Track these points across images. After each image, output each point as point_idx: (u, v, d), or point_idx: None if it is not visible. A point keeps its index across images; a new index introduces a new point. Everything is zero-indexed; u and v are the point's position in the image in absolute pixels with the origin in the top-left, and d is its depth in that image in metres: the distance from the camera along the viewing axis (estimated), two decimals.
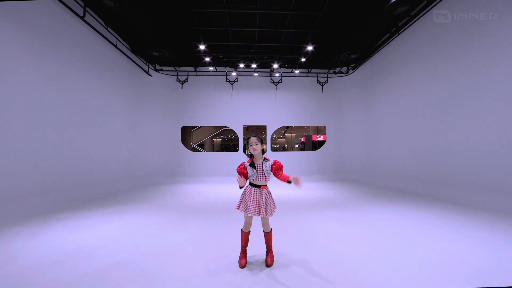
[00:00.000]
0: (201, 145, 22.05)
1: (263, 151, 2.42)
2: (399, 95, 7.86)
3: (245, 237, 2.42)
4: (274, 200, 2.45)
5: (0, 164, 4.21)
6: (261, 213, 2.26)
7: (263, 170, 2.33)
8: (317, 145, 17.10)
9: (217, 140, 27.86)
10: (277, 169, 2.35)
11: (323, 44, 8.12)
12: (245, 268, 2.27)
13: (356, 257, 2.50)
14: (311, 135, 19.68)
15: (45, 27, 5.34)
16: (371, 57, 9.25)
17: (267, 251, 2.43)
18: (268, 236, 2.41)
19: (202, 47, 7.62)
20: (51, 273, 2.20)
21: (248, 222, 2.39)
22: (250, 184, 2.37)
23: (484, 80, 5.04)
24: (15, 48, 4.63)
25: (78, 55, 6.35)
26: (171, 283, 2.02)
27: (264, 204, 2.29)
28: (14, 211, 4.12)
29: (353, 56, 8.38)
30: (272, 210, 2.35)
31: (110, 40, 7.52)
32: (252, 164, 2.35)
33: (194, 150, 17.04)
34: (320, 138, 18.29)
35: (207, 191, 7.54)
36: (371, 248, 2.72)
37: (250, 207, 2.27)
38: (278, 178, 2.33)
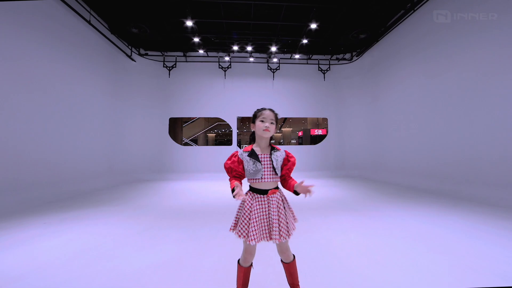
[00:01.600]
0: (194, 141, 21.02)
1: (271, 138, 1.54)
2: (410, 83, 7.01)
3: (244, 275, 1.47)
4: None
5: None
6: (273, 236, 1.35)
7: (271, 164, 1.42)
8: (317, 139, 16.26)
9: (211, 135, 26.80)
10: (288, 169, 1.48)
11: (328, 21, 7.12)
12: None
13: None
14: (309, 129, 18.85)
15: None
16: (378, 41, 8.37)
17: None
18: (290, 268, 1.48)
19: (189, 23, 6.56)
20: None
21: (249, 252, 1.44)
22: (251, 189, 1.46)
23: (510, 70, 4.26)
24: None
25: (42, 28, 5.29)
26: None
27: (277, 221, 1.38)
28: None
29: (362, 36, 7.46)
30: (292, 227, 1.45)
31: (83, 15, 6.42)
32: (253, 155, 1.44)
33: (186, 144, 16.03)
34: (319, 132, 17.48)
35: (196, 189, 6.61)
36: (414, 272, 1.85)
37: (254, 228, 1.35)
38: (283, 185, 1.50)
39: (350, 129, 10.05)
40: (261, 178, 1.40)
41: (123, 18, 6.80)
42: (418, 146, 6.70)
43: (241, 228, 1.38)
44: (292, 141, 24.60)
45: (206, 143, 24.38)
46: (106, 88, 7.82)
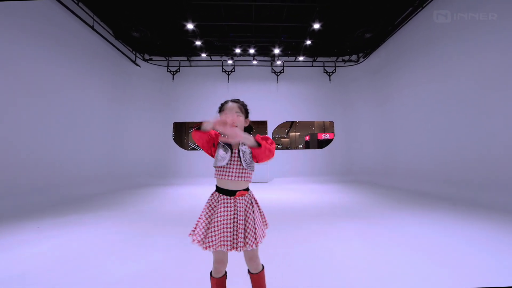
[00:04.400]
0: None
1: (250, 129, 1.41)
2: (421, 84, 6.68)
3: (217, 287, 1.30)
4: (265, 211, 1.41)
5: None
6: (238, 244, 1.18)
7: (239, 157, 1.25)
8: (324, 144, 15.89)
9: None
10: (260, 149, 1.21)
11: (332, 21, 6.89)
12: None
13: None
14: (316, 133, 18.52)
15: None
16: (385, 41, 8.11)
17: None
18: (257, 280, 1.30)
19: (190, 26, 6.53)
20: None
21: (219, 261, 1.26)
22: (217, 189, 1.30)
23: None
24: None
25: (45, 33, 5.39)
26: None
27: (243, 227, 1.21)
28: None
29: (367, 36, 7.22)
30: (261, 234, 1.25)
31: (87, 21, 6.52)
32: (228, 144, 1.28)
33: (193, 149, 16.01)
34: (326, 136, 17.11)
35: (197, 194, 6.46)
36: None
37: (213, 233, 1.18)
38: (261, 158, 1.24)
39: (357, 132, 9.73)
40: (228, 172, 1.23)
41: (124, 22, 6.84)
42: (431, 150, 6.33)
43: (198, 232, 1.21)
44: (299, 146, 24.24)
45: None
46: (110, 92, 7.88)
